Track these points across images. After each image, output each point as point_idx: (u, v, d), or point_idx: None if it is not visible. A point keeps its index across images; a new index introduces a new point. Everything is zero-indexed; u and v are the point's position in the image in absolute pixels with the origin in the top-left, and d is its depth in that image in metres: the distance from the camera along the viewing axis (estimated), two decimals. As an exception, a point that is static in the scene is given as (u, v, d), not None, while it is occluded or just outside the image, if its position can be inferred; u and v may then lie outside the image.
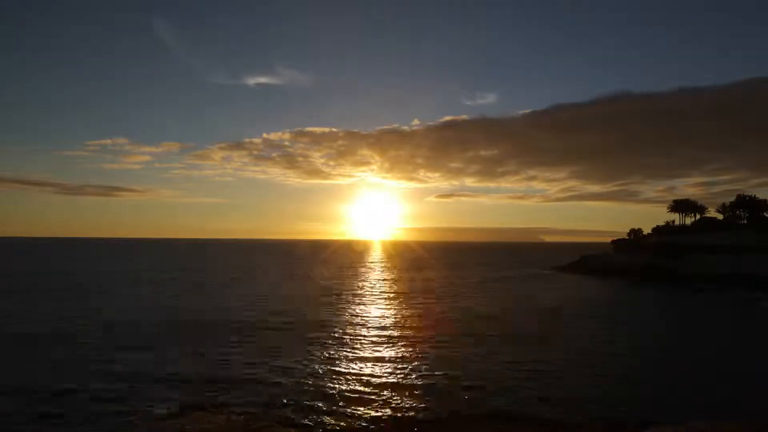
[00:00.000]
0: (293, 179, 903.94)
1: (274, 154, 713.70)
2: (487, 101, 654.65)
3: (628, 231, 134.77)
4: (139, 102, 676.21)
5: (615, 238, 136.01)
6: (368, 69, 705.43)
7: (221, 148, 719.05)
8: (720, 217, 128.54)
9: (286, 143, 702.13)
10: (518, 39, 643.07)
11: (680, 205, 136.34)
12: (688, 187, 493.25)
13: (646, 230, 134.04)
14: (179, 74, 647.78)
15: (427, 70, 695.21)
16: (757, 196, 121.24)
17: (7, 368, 30.58)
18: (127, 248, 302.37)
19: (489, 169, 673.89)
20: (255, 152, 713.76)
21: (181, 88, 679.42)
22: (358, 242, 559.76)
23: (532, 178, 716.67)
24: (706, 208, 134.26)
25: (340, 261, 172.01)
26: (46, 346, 36.43)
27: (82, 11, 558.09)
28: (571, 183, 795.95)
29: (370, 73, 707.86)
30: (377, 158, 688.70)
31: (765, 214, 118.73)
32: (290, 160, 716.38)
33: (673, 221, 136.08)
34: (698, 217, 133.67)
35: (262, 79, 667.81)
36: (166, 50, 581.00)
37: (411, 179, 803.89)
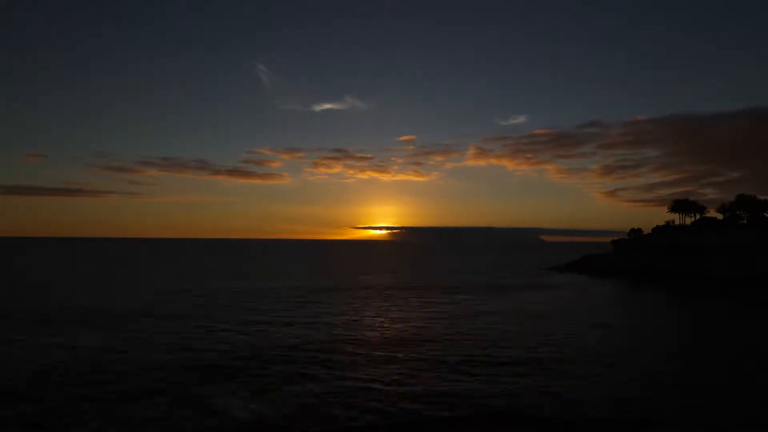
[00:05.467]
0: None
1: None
2: (518, 121, 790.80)
3: (629, 231, 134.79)
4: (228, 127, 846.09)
5: (615, 238, 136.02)
6: (419, 94, 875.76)
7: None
8: (720, 217, 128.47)
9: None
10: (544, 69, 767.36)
11: (680, 205, 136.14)
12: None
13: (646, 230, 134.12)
14: (265, 104, 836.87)
15: (465, 94, 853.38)
16: (757, 196, 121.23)
17: None
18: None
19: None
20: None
21: (263, 113, 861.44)
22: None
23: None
24: (706, 208, 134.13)
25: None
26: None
27: (208, 60, 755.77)
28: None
29: (421, 98, 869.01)
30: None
31: (765, 214, 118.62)
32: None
33: (673, 221, 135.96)
34: (698, 217, 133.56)
35: (328, 106, 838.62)
36: (260, 86, 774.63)
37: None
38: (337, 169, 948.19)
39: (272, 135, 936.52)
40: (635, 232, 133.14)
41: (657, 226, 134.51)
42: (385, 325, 46.59)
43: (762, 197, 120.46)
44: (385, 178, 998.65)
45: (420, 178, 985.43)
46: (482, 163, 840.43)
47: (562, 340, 39.97)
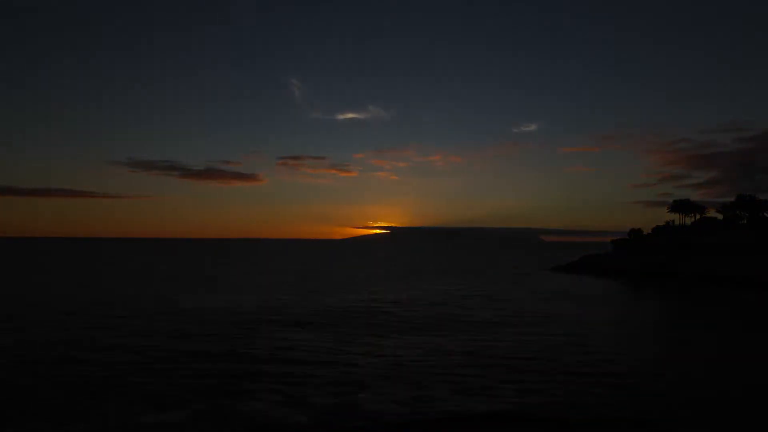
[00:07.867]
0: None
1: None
2: (530, 129, 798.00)
3: (628, 231, 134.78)
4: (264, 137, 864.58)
5: (615, 238, 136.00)
6: (434, 103, 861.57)
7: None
8: (720, 217, 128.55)
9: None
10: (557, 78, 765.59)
11: (680, 205, 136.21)
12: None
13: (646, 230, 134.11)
14: (295, 114, 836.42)
15: (479, 102, 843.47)
16: (757, 196, 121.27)
17: None
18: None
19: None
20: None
21: (293, 122, 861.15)
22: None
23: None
24: (706, 208, 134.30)
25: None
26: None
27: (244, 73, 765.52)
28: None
29: (435, 107, 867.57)
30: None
31: (765, 214, 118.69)
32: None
33: (673, 221, 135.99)
34: (698, 217, 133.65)
35: (351, 114, 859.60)
36: (292, 98, 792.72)
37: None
38: (335, 170, 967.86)
39: (267, 141, 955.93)
40: (635, 232, 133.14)
41: (657, 226, 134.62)
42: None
43: (762, 197, 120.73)
44: (381, 178, 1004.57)
45: (420, 179, 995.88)
46: (479, 163, 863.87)
47: (562, 340, 39.85)
